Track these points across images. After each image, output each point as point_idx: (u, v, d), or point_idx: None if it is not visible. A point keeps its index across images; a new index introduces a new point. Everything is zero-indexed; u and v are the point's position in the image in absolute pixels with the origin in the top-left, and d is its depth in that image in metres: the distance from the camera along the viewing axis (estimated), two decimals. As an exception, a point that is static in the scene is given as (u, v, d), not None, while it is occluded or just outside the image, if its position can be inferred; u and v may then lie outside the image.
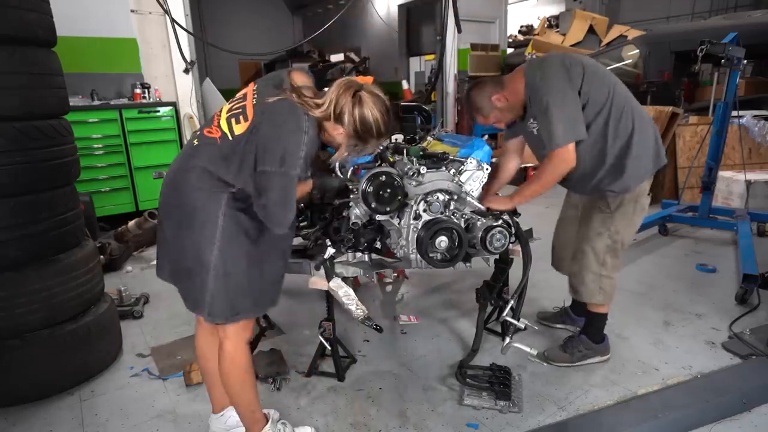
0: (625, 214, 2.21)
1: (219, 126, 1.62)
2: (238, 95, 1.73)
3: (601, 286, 2.30)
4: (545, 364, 2.41)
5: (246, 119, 1.58)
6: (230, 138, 1.58)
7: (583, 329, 2.46)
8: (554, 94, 2.01)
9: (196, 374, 2.32)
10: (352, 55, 12.53)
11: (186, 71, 5.20)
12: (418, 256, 2.04)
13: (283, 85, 1.62)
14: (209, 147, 1.60)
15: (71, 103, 2.56)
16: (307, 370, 2.38)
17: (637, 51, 6.77)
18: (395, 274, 3.42)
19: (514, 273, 2.39)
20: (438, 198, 2.08)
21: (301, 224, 2.56)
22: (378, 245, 2.21)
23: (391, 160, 2.22)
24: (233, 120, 1.60)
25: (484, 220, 2.11)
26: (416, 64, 11.95)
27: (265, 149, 1.52)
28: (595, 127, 2.09)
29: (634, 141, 2.10)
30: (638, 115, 2.14)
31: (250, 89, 1.70)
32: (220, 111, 1.69)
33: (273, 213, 1.53)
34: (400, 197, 2.00)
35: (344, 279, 2.08)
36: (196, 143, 1.64)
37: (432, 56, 10.69)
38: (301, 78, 1.68)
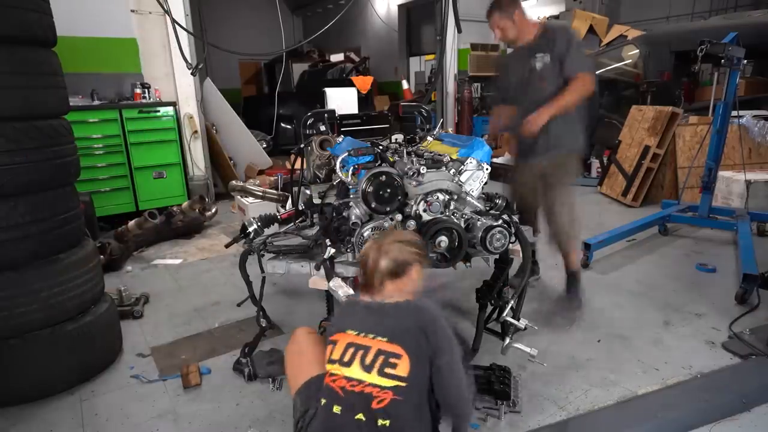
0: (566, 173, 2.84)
1: (362, 381, 1.43)
2: (333, 354, 1.50)
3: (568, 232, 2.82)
4: (545, 364, 2.41)
5: (397, 356, 1.43)
6: (404, 384, 1.42)
7: (569, 289, 2.97)
8: (579, 41, 2.79)
9: (194, 376, 2.32)
10: (352, 55, 12.54)
11: (193, 74, 5.21)
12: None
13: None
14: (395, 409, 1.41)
15: (71, 103, 2.56)
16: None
17: (637, 51, 6.76)
18: None
19: (514, 273, 2.39)
20: (438, 198, 2.08)
21: (301, 224, 2.56)
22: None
23: (391, 160, 2.22)
24: (387, 368, 1.42)
25: (484, 220, 2.11)
26: (416, 64, 11.97)
27: (441, 351, 1.45)
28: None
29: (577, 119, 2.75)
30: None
31: (344, 337, 1.50)
32: (337, 373, 1.47)
33: (465, 398, 1.50)
34: (400, 197, 2.00)
35: (344, 279, 2.08)
36: (387, 422, 1.40)
37: (432, 56, 10.71)
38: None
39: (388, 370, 1.41)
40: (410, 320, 1.47)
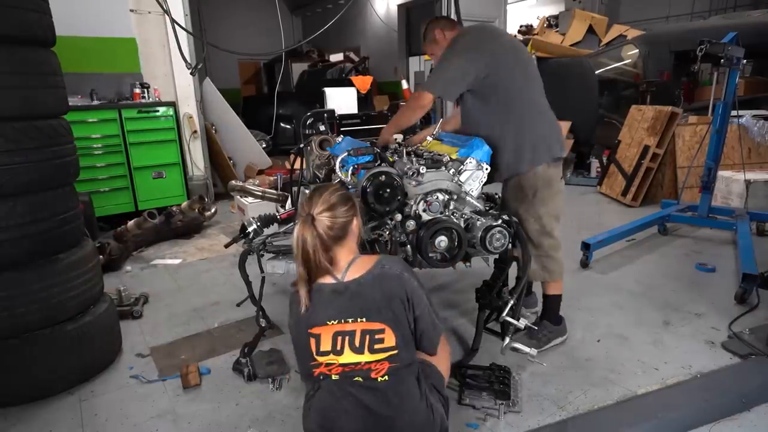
0: (543, 199, 2.36)
1: (357, 363, 1.53)
2: (322, 345, 1.56)
3: (543, 265, 2.44)
4: (544, 364, 2.41)
5: (381, 331, 1.51)
6: (396, 351, 1.53)
7: (543, 314, 2.60)
8: (452, 52, 2.24)
9: (194, 376, 2.32)
10: (352, 55, 12.54)
11: (192, 73, 5.21)
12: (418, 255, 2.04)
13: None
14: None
15: (70, 103, 2.56)
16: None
17: (637, 51, 6.77)
18: None
19: (514, 273, 2.39)
20: (437, 198, 2.08)
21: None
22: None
23: (391, 160, 2.22)
24: (377, 345, 1.52)
25: (484, 220, 2.11)
26: (416, 63, 11.95)
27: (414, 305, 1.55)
28: (493, 103, 2.25)
29: (527, 128, 2.26)
30: (535, 107, 2.31)
31: (326, 329, 1.54)
32: (331, 363, 1.55)
33: (437, 328, 1.65)
34: (399, 197, 2.00)
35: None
36: (385, 378, 1.54)
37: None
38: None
39: (377, 346, 1.51)
40: (378, 293, 1.52)
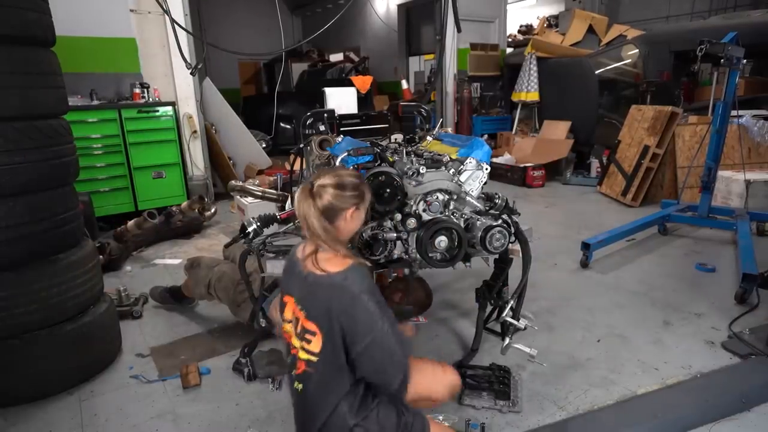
0: None
1: (294, 346, 1.54)
2: (286, 313, 1.58)
3: None
4: (544, 364, 2.41)
5: (312, 333, 1.46)
6: (314, 359, 1.47)
7: None
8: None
9: (194, 376, 2.32)
10: (352, 55, 12.54)
11: (192, 73, 5.21)
12: (418, 255, 2.04)
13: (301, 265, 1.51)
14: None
15: (70, 103, 2.56)
16: None
17: (637, 51, 6.76)
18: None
19: (514, 273, 2.39)
20: (437, 198, 2.08)
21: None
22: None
23: (391, 159, 2.21)
24: (304, 343, 1.49)
25: (484, 220, 2.11)
26: (416, 63, 11.95)
27: (358, 336, 1.41)
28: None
29: None
30: None
31: (290, 302, 1.54)
32: (288, 332, 1.57)
33: (390, 373, 1.45)
34: (399, 197, 2.00)
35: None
36: (300, 385, 1.53)
37: (431, 56, 10.70)
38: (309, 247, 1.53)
39: (304, 344, 1.49)
40: (327, 301, 1.43)
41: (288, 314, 1.56)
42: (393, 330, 1.43)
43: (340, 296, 1.42)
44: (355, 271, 1.45)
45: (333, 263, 1.46)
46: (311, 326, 1.46)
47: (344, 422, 1.47)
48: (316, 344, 1.46)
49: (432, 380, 1.61)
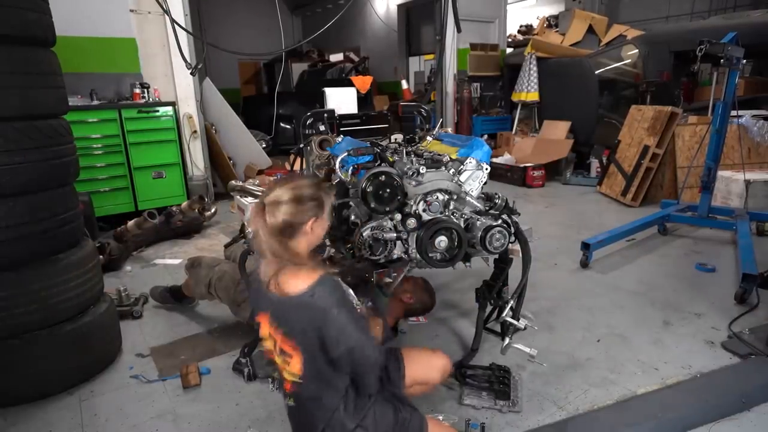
0: None
1: (279, 365, 1.52)
2: (263, 331, 1.54)
3: None
4: (544, 364, 2.41)
5: (288, 355, 1.46)
6: (299, 380, 1.47)
7: None
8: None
9: (194, 376, 2.32)
10: (352, 55, 12.54)
11: (192, 73, 5.21)
12: (418, 255, 2.04)
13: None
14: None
15: (70, 103, 2.56)
16: None
17: (637, 51, 6.77)
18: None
19: (514, 273, 2.39)
20: (437, 198, 2.08)
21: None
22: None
23: (391, 160, 2.21)
24: (284, 364, 1.49)
25: (484, 220, 2.11)
26: (416, 63, 11.95)
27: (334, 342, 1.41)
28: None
29: None
30: None
31: (264, 321, 1.51)
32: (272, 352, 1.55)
33: (368, 374, 1.49)
34: (399, 197, 2.00)
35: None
36: (291, 402, 1.55)
37: (431, 56, 10.70)
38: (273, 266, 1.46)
39: (285, 365, 1.49)
40: (299, 321, 1.41)
41: (264, 332, 1.53)
42: (365, 336, 1.45)
43: (310, 314, 1.39)
44: (322, 285, 1.40)
45: (300, 279, 1.40)
46: (288, 347, 1.45)
47: (344, 426, 1.47)
48: (295, 365, 1.45)
49: (425, 366, 1.74)
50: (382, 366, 1.52)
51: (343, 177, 2.19)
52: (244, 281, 2.40)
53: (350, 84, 8.21)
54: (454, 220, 2.09)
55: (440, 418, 1.98)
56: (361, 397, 1.51)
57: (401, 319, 2.89)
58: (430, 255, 2.01)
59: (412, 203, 2.07)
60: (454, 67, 8.06)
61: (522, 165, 6.71)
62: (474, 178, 2.16)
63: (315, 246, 1.52)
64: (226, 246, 3.16)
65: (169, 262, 4.06)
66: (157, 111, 5.06)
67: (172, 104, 5.20)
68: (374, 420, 1.50)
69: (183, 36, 4.95)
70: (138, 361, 2.58)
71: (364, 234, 2.03)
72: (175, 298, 3.09)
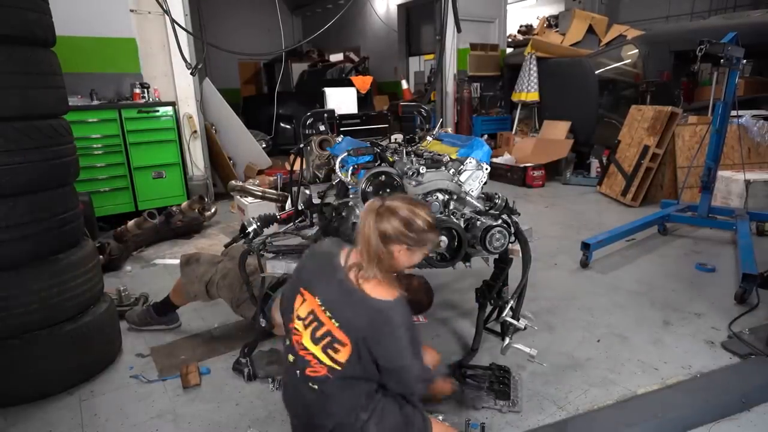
0: None
1: (317, 358, 1.52)
2: (300, 309, 1.56)
3: None
4: (544, 364, 2.41)
5: (342, 344, 1.48)
6: (340, 368, 1.50)
7: None
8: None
9: (194, 376, 2.32)
10: (352, 55, 12.54)
11: (192, 73, 5.21)
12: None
13: (340, 273, 1.51)
14: (328, 385, 1.52)
15: (70, 103, 2.56)
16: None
17: (637, 51, 6.77)
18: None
19: (514, 273, 2.39)
20: (437, 198, 2.08)
21: (301, 224, 2.56)
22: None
23: (391, 159, 2.21)
24: (330, 351, 1.50)
25: (484, 220, 2.11)
26: (416, 63, 11.95)
27: (391, 358, 1.49)
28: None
29: None
30: None
31: (311, 301, 1.53)
32: (298, 331, 1.56)
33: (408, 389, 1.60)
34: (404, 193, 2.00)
35: None
36: (315, 387, 1.54)
37: (431, 56, 10.70)
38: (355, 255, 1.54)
39: (330, 352, 1.50)
40: (366, 320, 1.46)
41: (302, 311, 1.55)
42: (418, 362, 1.53)
43: (380, 322, 1.46)
44: (401, 304, 1.49)
45: (384, 288, 1.48)
46: (343, 337, 1.47)
47: (358, 418, 1.52)
48: (343, 354, 1.48)
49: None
50: (420, 389, 1.62)
51: (342, 177, 2.18)
52: (245, 281, 2.39)
53: (350, 84, 8.21)
54: (454, 220, 2.09)
55: (441, 418, 1.98)
56: (375, 392, 1.57)
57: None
58: (430, 255, 2.01)
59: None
60: (454, 67, 8.07)
61: (522, 165, 6.71)
62: (474, 178, 2.16)
63: (392, 269, 1.55)
64: (227, 246, 3.15)
65: (169, 262, 4.06)
66: (157, 111, 5.06)
67: (172, 104, 5.20)
68: (382, 413, 1.55)
69: (183, 36, 4.95)
70: (138, 361, 2.58)
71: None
72: (159, 312, 2.85)
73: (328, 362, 1.50)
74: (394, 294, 1.48)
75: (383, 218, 1.47)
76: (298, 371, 1.57)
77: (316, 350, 1.51)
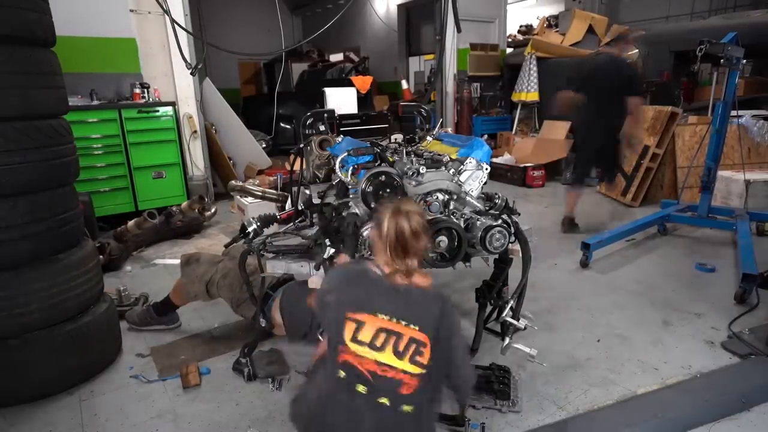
0: None
1: (393, 367, 1.47)
2: (361, 335, 1.50)
3: None
4: (544, 364, 2.41)
5: (424, 345, 1.49)
6: (426, 371, 1.49)
7: None
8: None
9: (194, 376, 2.32)
10: (352, 55, 12.54)
11: (192, 73, 5.21)
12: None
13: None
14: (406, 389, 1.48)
15: (70, 103, 2.56)
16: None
17: (637, 51, 6.77)
18: None
19: (514, 273, 2.39)
20: (437, 198, 2.08)
21: (301, 224, 2.56)
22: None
23: (391, 160, 2.21)
24: (417, 357, 1.48)
25: (484, 220, 2.11)
26: (416, 63, 11.96)
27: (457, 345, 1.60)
28: None
29: None
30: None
31: (374, 321, 1.49)
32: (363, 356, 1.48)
33: (471, 376, 1.68)
34: (399, 197, 2.00)
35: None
36: (410, 407, 1.48)
37: (431, 56, 10.71)
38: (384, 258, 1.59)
39: (418, 358, 1.48)
40: (437, 309, 1.54)
41: (365, 335, 1.48)
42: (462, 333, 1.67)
43: (438, 303, 1.56)
44: (435, 286, 1.62)
45: (422, 278, 1.59)
46: (423, 337, 1.49)
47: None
48: (426, 356, 1.49)
49: None
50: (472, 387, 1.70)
51: (342, 177, 2.18)
52: (244, 281, 2.39)
53: (350, 84, 8.22)
54: (454, 220, 2.09)
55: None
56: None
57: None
58: (430, 255, 2.01)
59: (411, 203, 2.07)
60: (454, 67, 8.07)
61: (522, 165, 6.71)
62: (474, 178, 2.16)
63: (421, 259, 1.65)
64: (227, 246, 3.15)
65: (169, 262, 4.06)
66: (157, 111, 5.06)
67: (172, 104, 5.20)
68: (434, 420, 1.64)
69: (183, 36, 4.94)
70: (138, 361, 2.58)
71: (364, 234, 2.03)
72: (159, 312, 2.84)
73: (418, 370, 1.48)
74: (429, 278, 1.61)
75: (409, 218, 1.56)
76: (380, 399, 1.46)
77: (404, 364, 1.47)
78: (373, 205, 1.98)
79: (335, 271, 1.72)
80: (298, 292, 2.31)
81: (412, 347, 1.48)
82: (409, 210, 1.59)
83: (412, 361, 1.47)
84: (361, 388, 1.47)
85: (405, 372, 1.47)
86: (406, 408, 1.47)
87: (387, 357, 1.47)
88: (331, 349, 1.53)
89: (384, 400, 1.46)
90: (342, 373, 1.48)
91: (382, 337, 1.48)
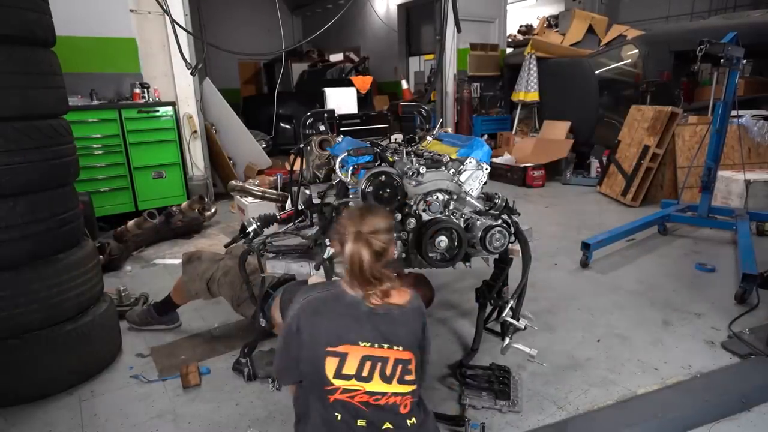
0: None
1: (384, 394, 1.45)
2: (345, 368, 1.44)
3: None
4: (544, 364, 2.41)
5: (409, 362, 1.48)
6: (415, 387, 1.50)
7: None
8: None
9: (194, 376, 2.32)
10: (352, 55, 12.54)
11: (192, 73, 5.22)
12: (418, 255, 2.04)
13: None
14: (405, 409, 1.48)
15: (70, 103, 2.56)
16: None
17: (637, 51, 6.77)
18: None
19: (514, 273, 2.39)
20: (437, 198, 2.08)
21: (301, 224, 2.56)
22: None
23: (391, 160, 2.21)
24: (405, 376, 1.47)
25: (484, 220, 2.11)
26: (416, 63, 11.97)
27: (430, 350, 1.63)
28: None
29: None
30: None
31: (356, 350, 1.44)
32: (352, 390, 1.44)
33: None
34: (399, 197, 2.00)
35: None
36: (414, 420, 1.48)
37: (431, 56, 10.71)
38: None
39: (406, 377, 1.47)
40: (417, 325, 1.53)
41: (349, 368, 1.42)
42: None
43: (420, 319, 1.54)
44: (418, 298, 1.58)
45: (402, 293, 1.53)
46: (407, 355, 1.47)
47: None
48: (413, 371, 1.49)
49: None
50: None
51: (342, 177, 2.18)
52: (245, 281, 2.39)
53: (350, 84, 8.22)
54: (454, 220, 2.09)
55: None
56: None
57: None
58: (430, 255, 2.01)
59: (412, 203, 2.07)
60: (454, 67, 8.07)
61: (522, 165, 6.71)
62: (474, 178, 2.16)
63: (390, 265, 1.59)
64: (227, 246, 3.15)
65: (169, 262, 4.06)
66: (157, 111, 5.06)
67: (172, 104, 5.21)
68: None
69: (183, 36, 4.94)
70: (138, 361, 2.58)
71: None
72: (160, 312, 2.84)
73: (409, 387, 1.47)
74: (408, 291, 1.55)
75: (370, 243, 1.44)
76: (383, 425, 1.45)
77: (394, 387, 1.45)
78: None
79: (299, 306, 1.50)
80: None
81: (399, 368, 1.45)
82: (372, 230, 1.45)
83: (401, 381, 1.45)
84: (361, 423, 1.44)
85: (397, 394, 1.45)
86: (410, 422, 1.47)
87: (376, 385, 1.44)
88: (315, 390, 1.47)
89: (388, 425, 1.45)
90: (338, 416, 1.44)
91: (368, 365, 1.43)
